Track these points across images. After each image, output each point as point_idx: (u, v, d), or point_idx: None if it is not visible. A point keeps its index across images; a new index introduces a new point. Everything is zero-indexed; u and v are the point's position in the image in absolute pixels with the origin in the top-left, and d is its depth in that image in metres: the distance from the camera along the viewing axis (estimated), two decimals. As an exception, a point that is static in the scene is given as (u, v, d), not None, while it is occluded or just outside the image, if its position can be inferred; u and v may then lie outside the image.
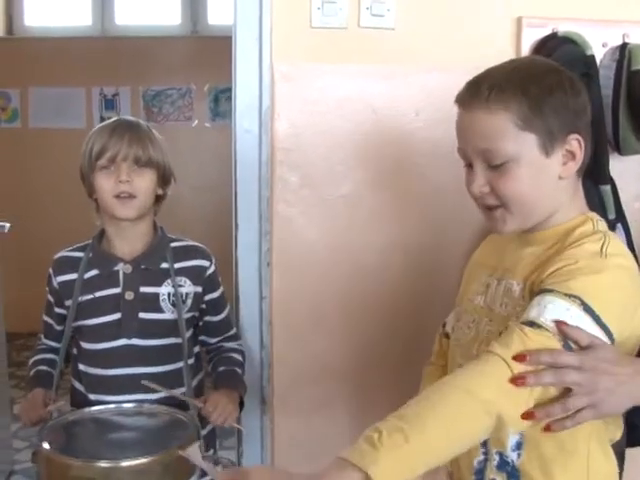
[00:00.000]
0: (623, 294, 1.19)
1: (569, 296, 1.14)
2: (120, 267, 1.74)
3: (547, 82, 1.24)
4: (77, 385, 1.79)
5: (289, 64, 1.93)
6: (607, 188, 1.87)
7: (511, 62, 1.33)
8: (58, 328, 1.80)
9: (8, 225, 3.05)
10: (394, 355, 2.06)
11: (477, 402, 1.06)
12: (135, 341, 1.72)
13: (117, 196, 1.70)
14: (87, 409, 1.66)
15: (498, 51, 1.93)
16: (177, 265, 1.77)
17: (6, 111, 5.30)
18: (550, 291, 1.16)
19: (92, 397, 1.73)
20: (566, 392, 1.12)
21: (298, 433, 2.07)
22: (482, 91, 1.23)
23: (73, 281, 1.75)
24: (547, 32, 1.94)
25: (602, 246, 1.21)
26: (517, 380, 1.08)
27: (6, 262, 3.19)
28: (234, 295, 2.05)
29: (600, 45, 1.95)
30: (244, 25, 1.92)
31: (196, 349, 1.87)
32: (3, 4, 5.45)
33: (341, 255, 2.01)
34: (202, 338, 1.88)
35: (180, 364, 1.73)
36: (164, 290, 1.75)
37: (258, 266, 2.01)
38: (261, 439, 2.09)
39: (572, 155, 1.25)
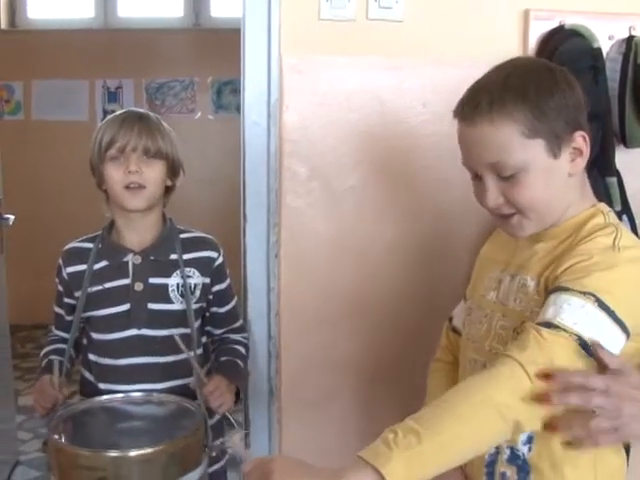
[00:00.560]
0: (638, 288, 1.19)
1: (584, 293, 1.14)
2: (129, 258, 1.75)
3: (544, 83, 1.24)
4: (87, 375, 1.80)
5: (297, 56, 1.93)
6: (613, 180, 1.87)
7: (500, 69, 1.28)
8: (68, 319, 1.81)
9: (12, 217, 3.06)
10: (401, 347, 2.07)
11: (492, 406, 1.07)
12: (144, 331, 1.73)
13: (127, 187, 1.70)
14: (96, 398, 1.67)
15: (505, 43, 1.95)
16: (186, 256, 1.78)
17: (9, 103, 5.30)
18: (565, 289, 1.16)
19: (102, 387, 1.74)
20: (590, 411, 1.12)
21: (305, 423, 2.09)
22: (483, 105, 1.22)
23: (83, 272, 1.76)
24: (554, 25, 1.94)
25: (614, 239, 1.21)
26: (541, 398, 1.08)
27: (10, 254, 3.19)
28: (242, 286, 2.06)
29: (607, 38, 1.95)
30: (253, 17, 1.93)
31: (204, 339, 1.88)
32: (6, -3, 5.46)
33: (349, 247, 2.02)
34: (208, 329, 1.89)
35: (191, 353, 1.74)
36: (173, 281, 1.76)
37: (266, 258, 2.02)
38: (269, 429, 2.10)
39: (579, 152, 1.26)
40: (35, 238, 4.90)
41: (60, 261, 1.81)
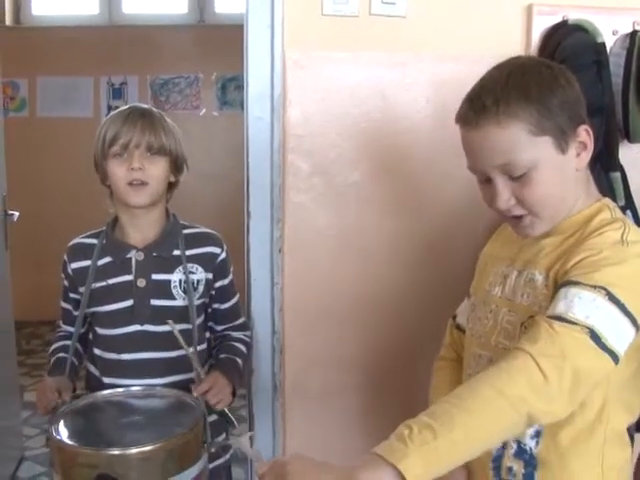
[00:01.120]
0: None
1: (594, 287, 1.14)
2: (132, 254, 1.76)
3: (544, 80, 1.24)
4: (92, 369, 1.82)
5: (300, 52, 1.93)
6: (617, 175, 1.87)
7: (499, 69, 1.28)
8: (76, 313, 1.81)
9: (17, 214, 3.07)
10: (404, 341, 2.07)
11: (505, 399, 1.07)
12: (147, 327, 1.74)
13: (130, 183, 1.71)
14: (98, 393, 1.68)
15: (508, 39, 1.95)
16: (189, 252, 1.78)
17: (14, 100, 5.31)
18: (575, 283, 1.16)
19: (106, 381, 1.76)
20: None
21: (309, 419, 2.09)
22: (488, 106, 1.22)
23: (87, 268, 1.77)
24: (557, 20, 1.94)
25: (623, 234, 1.22)
26: None
27: (15, 251, 3.20)
28: (246, 282, 2.07)
29: (610, 33, 1.94)
30: (256, 13, 1.93)
31: (207, 335, 1.89)
32: (10, -6, 5.46)
33: (352, 242, 2.03)
34: (209, 325, 1.90)
35: (191, 350, 1.74)
36: (176, 277, 1.76)
37: (270, 253, 2.03)
38: (272, 425, 2.10)
39: (584, 145, 1.26)
40: (39, 234, 4.91)
41: (65, 257, 1.82)
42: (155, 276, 1.75)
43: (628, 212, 1.88)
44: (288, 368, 2.07)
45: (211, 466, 1.60)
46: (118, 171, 1.71)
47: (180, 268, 1.77)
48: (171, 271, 1.77)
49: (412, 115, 1.99)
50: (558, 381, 1.08)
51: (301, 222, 2.00)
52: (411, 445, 1.02)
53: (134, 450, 1.38)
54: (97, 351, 1.79)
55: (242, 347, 1.88)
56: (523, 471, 1.30)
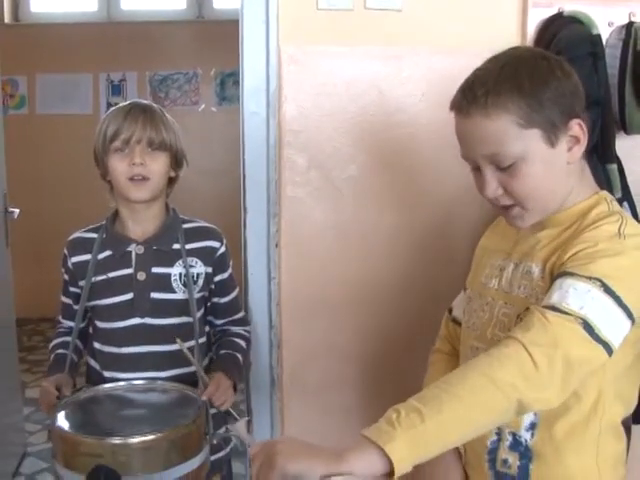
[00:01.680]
0: None
1: (590, 278, 1.15)
2: (132, 248, 1.77)
3: (539, 73, 1.23)
4: (92, 363, 1.83)
5: (296, 46, 1.94)
6: (613, 167, 1.87)
7: (496, 59, 1.28)
8: (76, 307, 1.82)
9: (17, 211, 3.08)
10: (401, 335, 2.08)
11: (495, 386, 1.07)
12: (148, 320, 1.75)
13: (131, 178, 1.72)
14: (100, 386, 1.69)
15: (504, 31, 1.95)
16: (188, 246, 1.79)
17: (14, 98, 5.30)
18: (571, 274, 1.17)
19: (107, 374, 1.76)
20: None
21: (307, 412, 2.10)
22: (478, 97, 1.22)
23: (87, 262, 1.78)
24: (553, 12, 1.94)
25: (619, 227, 1.22)
26: None
27: (15, 248, 3.20)
28: (243, 276, 2.07)
29: (606, 24, 1.94)
30: (251, 8, 1.93)
31: (207, 328, 1.89)
32: (9, -9, 5.46)
33: (349, 236, 2.03)
34: (209, 319, 1.90)
35: (192, 343, 1.75)
36: (175, 270, 1.77)
37: (267, 248, 2.03)
38: (270, 418, 2.11)
39: (576, 139, 1.26)
40: (40, 231, 4.91)
41: (65, 251, 1.83)
42: (155, 269, 1.76)
43: (625, 204, 1.88)
44: (286, 362, 2.08)
45: (212, 458, 1.61)
46: (119, 166, 1.72)
47: (180, 262, 1.78)
48: (171, 264, 1.77)
49: (408, 109, 1.99)
50: (549, 369, 1.09)
51: (298, 217, 2.01)
52: (398, 428, 1.03)
53: (136, 439, 1.39)
54: (97, 345, 1.80)
55: (242, 342, 1.88)
56: (518, 463, 1.31)
